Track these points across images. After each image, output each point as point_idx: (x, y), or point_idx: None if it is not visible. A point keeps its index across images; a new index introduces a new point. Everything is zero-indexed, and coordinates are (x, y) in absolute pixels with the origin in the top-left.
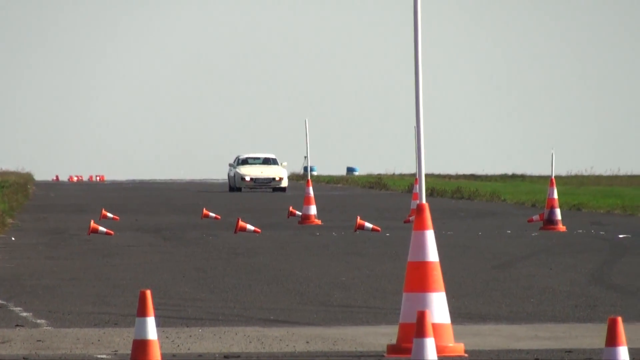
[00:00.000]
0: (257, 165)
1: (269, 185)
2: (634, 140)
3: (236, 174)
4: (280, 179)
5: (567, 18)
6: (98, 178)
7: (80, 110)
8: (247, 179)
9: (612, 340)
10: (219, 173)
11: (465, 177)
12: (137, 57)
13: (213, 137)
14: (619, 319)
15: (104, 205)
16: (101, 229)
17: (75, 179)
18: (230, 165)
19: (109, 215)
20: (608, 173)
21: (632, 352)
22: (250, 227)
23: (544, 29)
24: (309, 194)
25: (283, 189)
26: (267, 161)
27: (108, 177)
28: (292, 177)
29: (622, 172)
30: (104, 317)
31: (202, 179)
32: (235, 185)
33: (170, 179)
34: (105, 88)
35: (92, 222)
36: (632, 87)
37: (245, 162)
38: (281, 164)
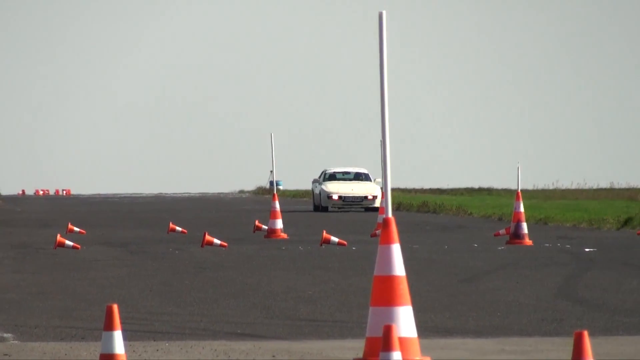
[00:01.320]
0: (347, 182)
1: (360, 204)
2: (599, 154)
3: (322, 191)
4: (374, 197)
5: (531, 35)
6: (64, 192)
7: (47, 124)
8: (335, 197)
9: (578, 355)
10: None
11: (431, 191)
12: (102, 71)
13: (177, 151)
14: (585, 333)
15: (70, 219)
16: (68, 242)
17: (41, 192)
18: (314, 181)
19: (76, 229)
20: (574, 187)
21: None
22: (216, 241)
23: (509, 44)
24: (275, 208)
25: (376, 209)
26: (358, 177)
27: (74, 191)
28: (258, 192)
29: (587, 186)
30: (71, 331)
31: (175, 192)
32: (321, 203)
33: (136, 193)
34: (73, 101)
35: (58, 235)
36: (596, 102)
37: (332, 177)
38: (374, 180)
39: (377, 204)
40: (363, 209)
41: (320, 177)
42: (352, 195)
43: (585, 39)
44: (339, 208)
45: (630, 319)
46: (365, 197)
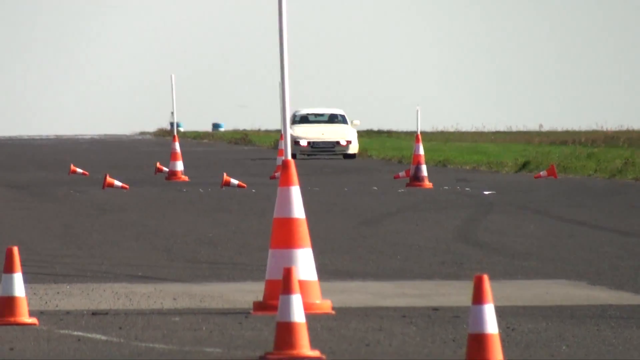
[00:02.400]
0: (319, 125)
1: (332, 150)
2: (498, 98)
3: (291, 136)
4: (348, 142)
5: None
6: None
7: None
8: (303, 143)
9: (478, 298)
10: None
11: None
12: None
13: (77, 92)
14: (485, 276)
15: None
16: None
17: None
18: None
19: None
20: (472, 129)
21: (498, 309)
22: (117, 183)
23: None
24: (175, 150)
25: (352, 156)
26: (333, 119)
27: None
28: (159, 133)
29: (486, 129)
30: None
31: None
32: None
33: (35, 135)
34: None
35: None
36: (494, 46)
37: (304, 119)
38: (351, 122)
39: (353, 150)
40: (338, 156)
41: (291, 120)
42: (322, 140)
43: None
44: (308, 155)
45: (528, 263)
46: (337, 143)
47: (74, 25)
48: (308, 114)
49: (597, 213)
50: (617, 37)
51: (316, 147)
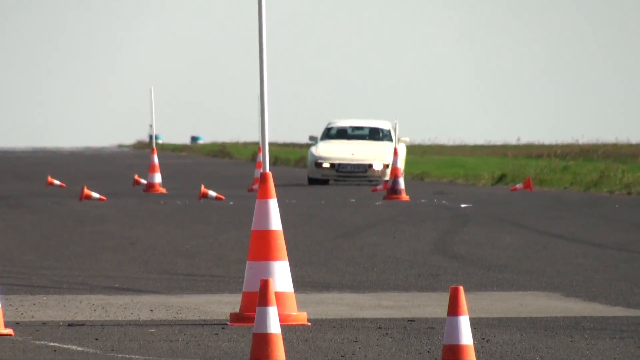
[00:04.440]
0: (353, 142)
1: (363, 176)
2: (475, 111)
3: (311, 155)
4: (385, 167)
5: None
6: None
7: None
8: (326, 164)
9: (453, 310)
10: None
11: (308, 145)
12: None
13: (56, 104)
14: (461, 288)
15: None
16: None
17: None
18: (311, 139)
19: None
20: (450, 143)
21: (473, 321)
22: (95, 194)
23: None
24: (153, 162)
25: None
26: (375, 134)
27: None
28: (138, 145)
29: (463, 142)
30: None
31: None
32: (308, 173)
33: (12, 147)
34: None
35: None
36: (473, 59)
37: (339, 134)
38: (399, 139)
39: (387, 176)
40: (372, 183)
41: (323, 133)
42: (350, 162)
43: None
44: (335, 180)
45: (504, 275)
46: (370, 166)
47: (52, 38)
48: (344, 127)
49: (572, 225)
50: (594, 52)
51: (342, 171)
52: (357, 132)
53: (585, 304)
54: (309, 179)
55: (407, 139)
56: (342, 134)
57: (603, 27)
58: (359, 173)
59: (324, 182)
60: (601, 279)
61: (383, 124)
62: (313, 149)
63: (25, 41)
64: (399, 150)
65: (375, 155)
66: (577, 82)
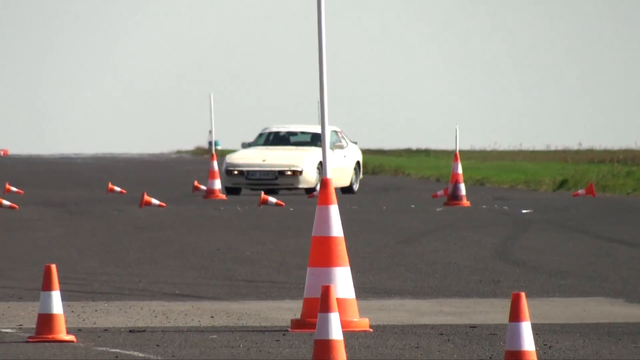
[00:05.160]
0: (274, 148)
1: (274, 183)
2: (535, 116)
3: (224, 162)
4: (297, 173)
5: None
6: (1, 152)
7: None
8: (236, 172)
9: (515, 316)
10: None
11: (370, 151)
12: (42, 31)
13: (116, 112)
14: (522, 295)
15: (7, 178)
16: (5, 202)
17: None
18: (244, 146)
19: (13, 189)
20: (511, 148)
21: (535, 327)
22: (155, 201)
23: (447, 4)
24: (213, 168)
25: (310, 191)
26: (314, 140)
27: (12, 152)
28: (198, 152)
29: (524, 148)
30: (8, 291)
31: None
32: (223, 182)
33: (75, 153)
34: (12, 60)
35: None
36: (533, 64)
37: (277, 139)
38: (341, 139)
39: (306, 182)
40: (292, 191)
41: (257, 138)
42: (260, 169)
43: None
44: (246, 188)
45: (566, 281)
46: (281, 173)
47: (111, 45)
48: (280, 132)
49: (635, 231)
50: None
51: (251, 179)
52: (294, 138)
53: None
54: (225, 189)
55: (355, 144)
56: (273, 139)
57: None
58: (269, 180)
59: (235, 190)
60: None
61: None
62: (227, 156)
63: (83, 48)
64: (458, 158)
65: (288, 161)
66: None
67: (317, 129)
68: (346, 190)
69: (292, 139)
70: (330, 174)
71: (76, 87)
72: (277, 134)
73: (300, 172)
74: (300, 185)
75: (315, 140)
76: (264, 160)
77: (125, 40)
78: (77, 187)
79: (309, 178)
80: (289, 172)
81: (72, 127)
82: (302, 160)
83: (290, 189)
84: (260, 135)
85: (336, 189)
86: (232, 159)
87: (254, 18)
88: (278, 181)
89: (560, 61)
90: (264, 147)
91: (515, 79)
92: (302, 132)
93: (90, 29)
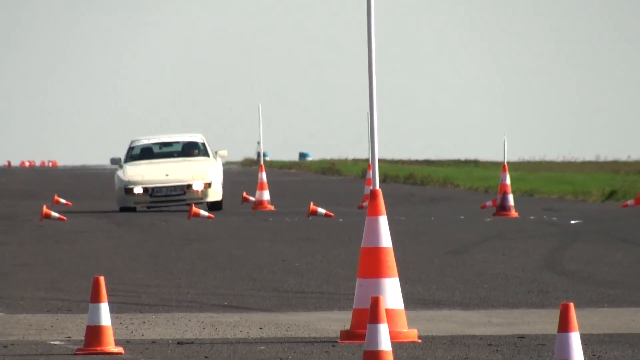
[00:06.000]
0: (164, 161)
1: (182, 199)
2: (585, 127)
3: (119, 180)
4: (206, 185)
5: (521, 8)
6: (50, 163)
7: (32, 95)
8: (138, 190)
9: (564, 326)
10: None
11: (418, 162)
12: (83, 45)
13: (164, 122)
14: (571, 305)
15: (56, 190)
16: (54, 214)
17: (27, 164)
18: (113, 162)
19: (62, 200)
20: (559, 159)
21: (583, 337)
22: (203, 212)
23: (498, 15)
24: (262, 179)
25: (217, 205)
26: (190, 150)
27: (61, 163)
28: (246, 163)
29: (573, 159)
30: (57, 303)
31: None
32: (119, 202)
33: None
34: (58, 73)
35: (44, 207)
36: (582, 75)
37: (145, 153)
38: (215, 153)
39: (214, 195)
40: (187, 206)
41: (126, 155)
42: (166, 185)
43: (573, 13)
44: (148, 207)
45: (615, 291)
46: (189, 187)
47: (159, 55)
48: (148, 145)
49: None
50: None
51: (157, 196)
52: (167, 150)
53: None
54: (120, 209)
55: (225, 153)
56: (149, 153)
57: None
58: (176, 196)
59: (132, 210)
60: None
61: (196, 138)
62: (120, 173)
63: (129, 59)
64: (507, 169)
65: (193, 173)
66: None
67: (185, 138)
68: (216, 206)
69: (166, 150)
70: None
71: (123, 99)
72: (146, 146)
73: (209, 184)
74: (210, 198)
75: (189, 150)
76: (167, 175)
77: (176, 51)
78: None
79: (218, 190)
80: (199, 186)
81: (119, 139)
82: (209, 172)
83: (197, 202)
84: (132, 148)
85: (211, 202)
86: (128, 175)
87: (306, 28)
88: (186, 196)
89: (611, 73)
90: (147, 161)
91: (565, 91)
92: (175, 142)
93: (139, 40)
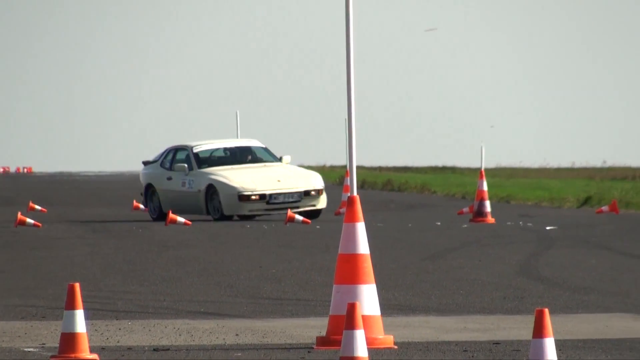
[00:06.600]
0: (246, 167)
1: (295, 205)
2: (560, 134)
3: (225, 186)
4: (319, 192)
5: (492, 13)
6: (25, 169)
7: (6, 101)
8: (254, 197)
9: (539, 332)
10: None
11: (395, 169)
12: (67, 49)
13: (139, 130)
14: (546, 311)
15: (31, 197)
16: (29, 220)
17: (1, 170)
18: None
19: (37, 207)
20: (536, 166)
21: (558, 343)
22: (180, 219)
23: (472, 21)
24: None
25: (318, 212)
26: (257, 155)
27: (36, 169)
28: None
29: (549, 165)
30: (31, 310)
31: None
32: (233, 209)
33: (99, 171)
34: (35, 78)
35: (19, 214)
36: (558, 82)
37: (212, 159)
38: (280, 158)
39: (322, 203)
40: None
41: (188, 158)
42: (281, 191)
43: (544, 15)
44: (260, 215)
45: (589, 297)
46: (306, 193)
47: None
48: (220, 149)
49: None
50: None
51: (274, 203)
52: (232, 155)
53: None
54: (223, 216)
55: (289, 159)
56: (219, 158)
57: None
58: (292, 202)
59: (247, 217)
60: None
61: (255, 142)
62: (224, 180)
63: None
64: (484, 176)
65: (303, 181)
66: None
67: (246, 142)
68: (317, 214)
69: (229, 155)
70: None
71: (106, 106)
72: (216, 151)
73: (321, 192)
74: (320, 206)
75: (258, 155)
76: (278, 181)
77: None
78: (101, 205)
79: (325, 197)
80: (313, 192)
81: (96, 145)
82: (315, 178)
83: (310, 210)
84: (196, 154)
85: (319, 209)
86: (240, 182)
87: (283, 34)
88: (300, 203)
89: (586, 80)
90: (228, 167)
91: (540, 98)
92: (245, 147)
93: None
